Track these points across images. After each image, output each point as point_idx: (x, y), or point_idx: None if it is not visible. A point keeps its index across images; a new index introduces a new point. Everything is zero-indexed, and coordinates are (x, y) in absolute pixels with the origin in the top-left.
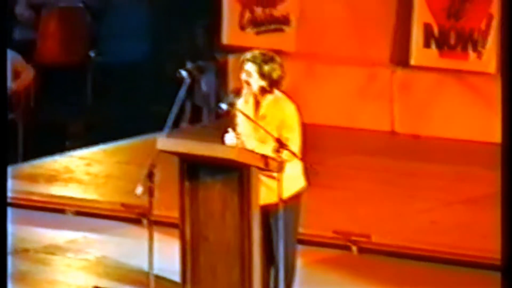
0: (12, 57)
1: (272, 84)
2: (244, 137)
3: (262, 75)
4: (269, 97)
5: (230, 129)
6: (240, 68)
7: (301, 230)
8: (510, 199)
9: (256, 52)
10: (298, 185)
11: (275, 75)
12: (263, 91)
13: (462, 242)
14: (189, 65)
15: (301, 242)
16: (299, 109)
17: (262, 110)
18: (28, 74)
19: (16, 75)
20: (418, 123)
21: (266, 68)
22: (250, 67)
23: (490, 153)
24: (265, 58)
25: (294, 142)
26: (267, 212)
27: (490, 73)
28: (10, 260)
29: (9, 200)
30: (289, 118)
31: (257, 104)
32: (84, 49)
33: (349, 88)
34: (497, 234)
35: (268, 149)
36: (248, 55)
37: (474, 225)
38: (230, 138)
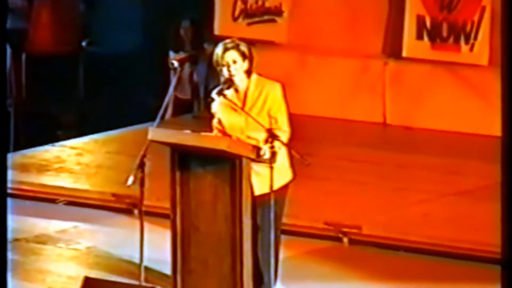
0: None
1: (251, 62)
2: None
3: (244, 56)
4: (252, 80)
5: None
6: (220, 63)
7: (292, 221)
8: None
9: (225, 42)
10: (287, 177)
11: (250, 52)
12: (248, 73)
13: (455, 234)
14: (181, 55)
15: (292, 233)
16: (284, 88)
17: (249, 98)
18: None
19: None
20: (410, 115)
21: (243, 48)
22: (232, 54)
23: (483, 145)
24: (236, 42)
25: (282, 121)
26: (255, 203)
27: (482, 65)
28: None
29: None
30: (275, 97)
31: (245, 93)
32: (76, 39)
33: (341, 80)
34: (490, 227)
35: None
36: (221, 48)
37: (467, 217)
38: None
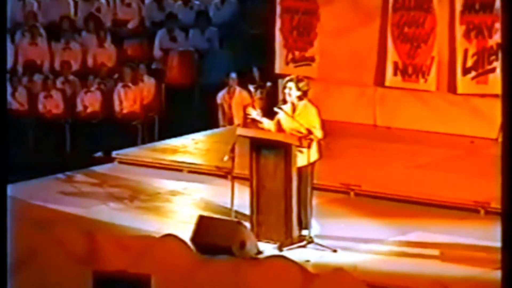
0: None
1: (304, 93)
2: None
3: (298, 88)
4: (301, 103)
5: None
6: (283, 87)
7: (320, 182)
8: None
9: (293, 76)
10: (315, 157)
11: (305, 88)
12: (299, 98)
13: (417, 188)
14: (255, 85)
15: (320, 189)
16: (319, 110)
17: (297, 111)
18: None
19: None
20: (390, 120)
21: (300, 84)
22: (290, 84)
23: (433, 137)
24: (298, 78)
25: (317, 129)
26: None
27: (432, 91)
28: (149, 200)
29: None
30: (314, 116)
31: (294, 108)
32: (193, 75)
33: (349, 99)
34: (435, 184)
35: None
36: (288, 78)
37: (423, 179)
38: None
